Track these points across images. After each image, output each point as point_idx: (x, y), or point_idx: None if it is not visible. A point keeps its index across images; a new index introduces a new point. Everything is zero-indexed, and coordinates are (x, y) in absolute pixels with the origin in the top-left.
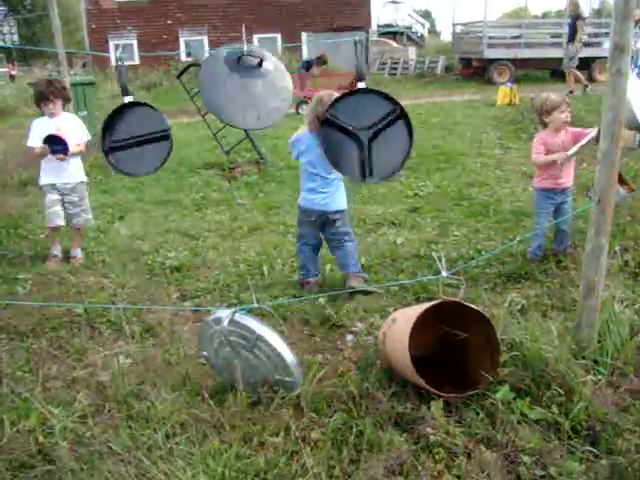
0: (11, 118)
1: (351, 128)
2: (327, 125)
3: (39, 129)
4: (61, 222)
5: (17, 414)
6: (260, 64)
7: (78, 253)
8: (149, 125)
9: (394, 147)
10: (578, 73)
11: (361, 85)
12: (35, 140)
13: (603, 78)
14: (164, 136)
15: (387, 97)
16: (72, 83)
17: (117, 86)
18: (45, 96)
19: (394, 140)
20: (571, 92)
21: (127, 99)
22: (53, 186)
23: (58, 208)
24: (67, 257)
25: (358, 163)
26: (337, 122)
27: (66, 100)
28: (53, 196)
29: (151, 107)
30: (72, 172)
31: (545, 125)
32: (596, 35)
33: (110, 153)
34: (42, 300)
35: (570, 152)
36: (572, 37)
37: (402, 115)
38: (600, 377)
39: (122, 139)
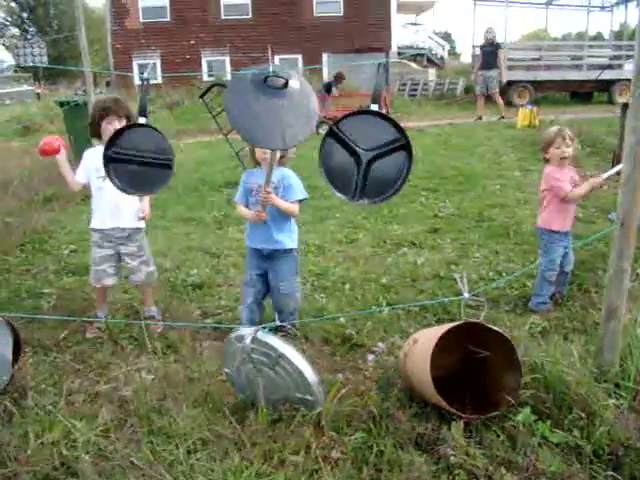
0: (36, 135)
1: (354, 145)
2: (331, 137)
3: (93, 161)
4: (110, 282)
5: (41, 427)
6: (286, 85)
7: (154, 311)
8: (155, 150)
9: (390, 175)
10: (482, 101)
11: (374, 107)
12: (81, 175)
13: (623, 100)
14: (167, 165)
15: (395, 125)
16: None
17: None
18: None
19: (392, 169)
20: (502, 117)
21: (142, 120)
22: (101, 233)
23: (106, 266)
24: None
25: (353, 183)
26: (341, 136)
27: None
28: (102, 251)
29: (160, 133)
30: (128, 215)
31: (547, 161)
32: (616, 57)
33: (110, 162)
34: (66, 315)
35: (605, 175)
36: (493, 64)
37: (406, 146)
38: (622, 401)
39: (125, 153)
